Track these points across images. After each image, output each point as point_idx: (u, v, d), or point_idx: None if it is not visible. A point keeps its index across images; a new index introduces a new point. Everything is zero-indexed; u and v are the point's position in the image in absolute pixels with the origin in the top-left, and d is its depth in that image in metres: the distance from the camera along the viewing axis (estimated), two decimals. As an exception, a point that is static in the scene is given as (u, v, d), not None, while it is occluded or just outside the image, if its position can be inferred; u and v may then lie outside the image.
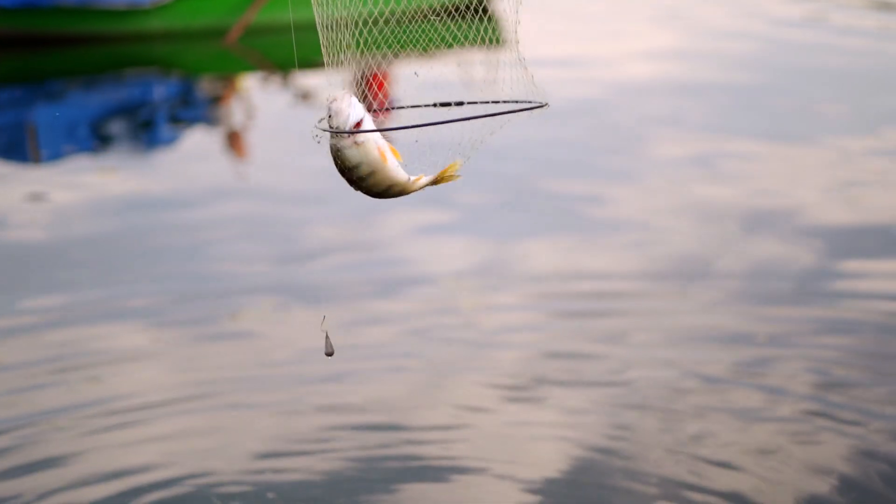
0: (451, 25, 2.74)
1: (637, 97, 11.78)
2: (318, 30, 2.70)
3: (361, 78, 2.75)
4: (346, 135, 2.66)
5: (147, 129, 11.37)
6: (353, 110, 2.67)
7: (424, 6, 2.79)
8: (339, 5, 2.70)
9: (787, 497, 4.61)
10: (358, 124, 2.67)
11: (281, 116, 11.72)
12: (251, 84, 13.37)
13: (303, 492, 4.75)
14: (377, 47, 2.72)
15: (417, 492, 4.75)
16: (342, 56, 2.70)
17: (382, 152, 2.70)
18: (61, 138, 10.87)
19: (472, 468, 4.89)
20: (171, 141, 11.12)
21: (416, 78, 2.73)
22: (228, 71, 14.32)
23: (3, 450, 5.06)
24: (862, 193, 8.49)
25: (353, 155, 2.69)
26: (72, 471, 4.89)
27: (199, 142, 10.99)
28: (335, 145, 2.69)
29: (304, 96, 12.27)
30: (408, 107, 2.75)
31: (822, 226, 7.74)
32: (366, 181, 2.73)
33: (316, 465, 4.95)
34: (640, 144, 10.02)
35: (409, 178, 2.75)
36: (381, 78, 2.79)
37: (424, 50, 2.77)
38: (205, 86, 13.62)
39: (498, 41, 2.80)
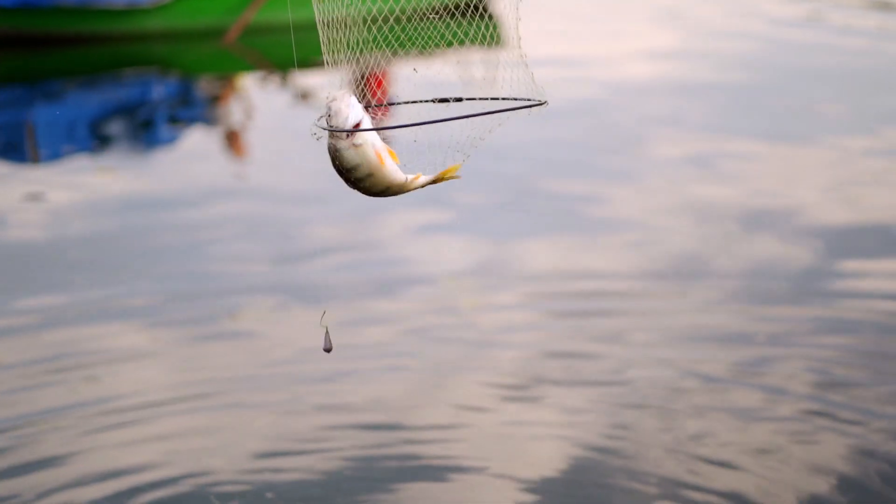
0: (452, 24, 2.73)
1: (636, 97, 11.77)
2: (318, 28, 2.70)
3: (361, 77, 2.75)
4: (344, 136, 2.66)
5: (146, 128, 11.37)
6: (351, 111, 2.66)
7: (424, 5, 2.79)
8: (339, 4, 2.70)
9: (786, 496, 4.60)
10: (356, 126, 2.66)
11: (280, 116, 11.72)
12: (250, 84, 13.37)
13: (301, 491, 4.75)
14: (377, 46, 2.72)
15: (416, 491, 4.74)
16: (342, 55, 2.70)
17: (380, 155, 2.70)
18: (60, 138, 10.87)
19: (470, 468, 4.89)
20: (170, 141, 11.11)
21: (415, 77, 2.73)
22: (227, 71, 14.31)
23: (1, 449, 5.05)
24: (861, 193, 8.49)
25: (351, 157, 2.69)
26: (70, 470, 4.89)
27: (198, 141, 10.99)
28: (333, 146, 2.69)
29: (304, 96, 12.26)
30: (406, 102, 2.75)
31: (821, 225, 7.74)
32: (363, 182, 2.73)
33: (315, 465, 4.94)
34: (640, 144, 10.02)
35: (407, 178, 2.75)
36: (380, 77, 2.79)
37: (423, 48, 2.77)
38: (204, 85, 13.61)
39: (497, 41, 2.80)
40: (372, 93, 2.75)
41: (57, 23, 14.28)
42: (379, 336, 6.20)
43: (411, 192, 2.78)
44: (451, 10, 2.76)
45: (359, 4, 2.70)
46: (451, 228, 7.89)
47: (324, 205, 8.37)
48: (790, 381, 5.57)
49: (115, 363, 5.94)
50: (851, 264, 7.06)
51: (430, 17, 2.75)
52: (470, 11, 2.76)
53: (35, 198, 8.90)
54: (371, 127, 2.68)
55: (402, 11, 2.73)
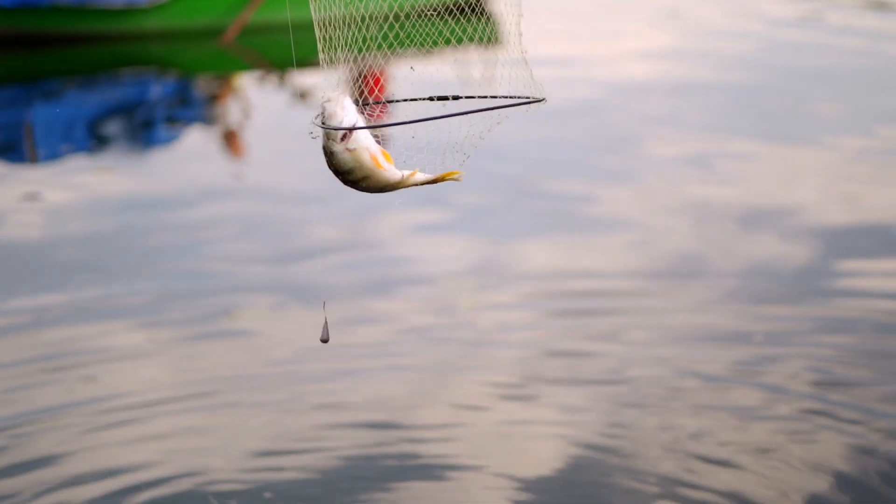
0: (450, 23, 2.73)
1: (635, 97, 11.77)
2: (315, 27, 2.69)
3: (359, 76, 2.74)
4: (338, 141, 2.65)
5: (144, 128, 11.36)
6: (346, 114, 2.65)
7: (422, 5, 2.78)
8: (337, 4, 2.69)
9: (784, 495, 4.60)
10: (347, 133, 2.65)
11: (278, 116, 11.71)
12: (248, 83, 13.36)
13: (299, 490, 4.74)
14: (376, 46, 2.71)
15: (415, 491, 4.74)
16: (339, 54, 2.69)
17: (375, 158, 2.69)
18: (58, 138, 10.86)
19: (469, 467, 4.89)
20: (168, 140, 11.11)
21: (413, 76, 2.72)
22: (225, 70, 14.31)
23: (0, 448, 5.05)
24: (859, 193, 8.49)
25: (346, 160, 2.68)
26: (68, 469, 4.88)
27: (196, 141, 10.98)
28: (327, 148, 2.68)
29: (302, 95, 12.26)
30: (403, 100, 2.74)
31: (819, 225, 7.74)
32: (360, 184, 2.72)
33: (313, 464, 4.94)
34: (639, 144, 10.02)
35: (403, 174, 2.74)
36: (378, 75, 2.78)
37: (421, 47, 2.76)
38: (202, 85, 13.61)
39: (495, 39, 2.79)
40: (370, 91, 2.75)
41: (55, 22, 14.27)
42: (377, 335, 6.20)
43: (411, 189, 2.77)
44: (449, 9, 2.76)
45: (358, 4, 2.69)
46: (450, 228, 7.89)
47: (322, 204, 8.36)
48: (789, 380, 5.56)
49: (114, 362, 5.93)
50: (850, 264, 7.06)
51: (429, 15, 2.74)
52: (467, 11, 2.75)
53: (33, 197, 8.90)
54: (366, 127, 2.67)
55: (401, 9, 2.72)
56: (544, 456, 4.96)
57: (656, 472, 4.77)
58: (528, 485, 4.76)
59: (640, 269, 7.08)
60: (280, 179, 9.22)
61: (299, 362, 5.89)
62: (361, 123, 2.67)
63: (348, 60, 2.71)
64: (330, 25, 2.69)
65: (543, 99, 2.67)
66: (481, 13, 2.74)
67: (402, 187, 2.74)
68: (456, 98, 2.69)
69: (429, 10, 2.76)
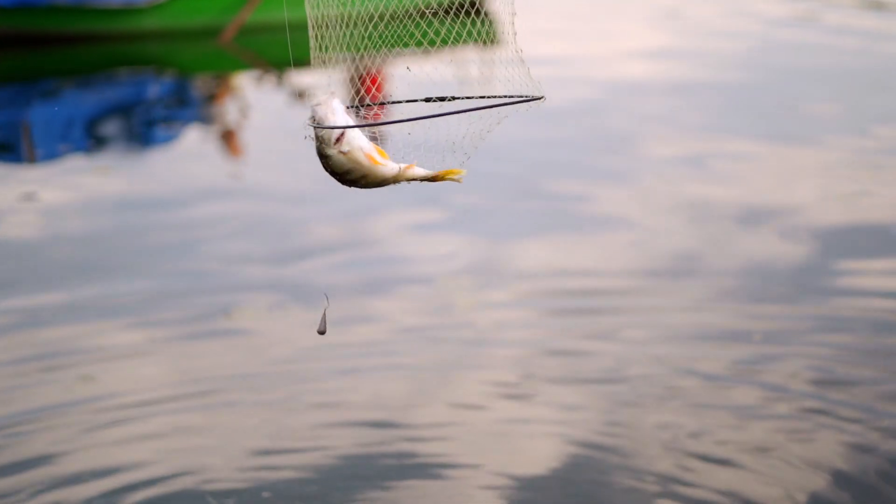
0: (448, 22, 2.73)
1: (633, 97, 11.78)
2: (309, 27, 2.69)
3: (356, 76, 2.75)
4: (332, 144, 2.65)
5: (142, 128, 11.36)
6: (336, 116, 2.65)
7: (420, 4, 2.79)
8: (334, 4, 2.69)
9: (783, 494, 4.60)
10: (341, 133, 2.65)
11: (276, 115, 11.71)
12: (246, 83, 13.36)
13: (297, 489, 4.75)
14: (373, 46, 2.71)
15: (413, 489, 4.74)
16: (334, 55, 2.69)
17: (370, 156, 2.69)
18: (56, 137, 10.86)
19: (467, 465, 4.89)
20: (166, 140, 11.11)
21: (411, 76, 2.72)
22: (223, 70, 14.31)
23: (-3, 447, 5.05)
24: (857, 193, 8.49)
25: (341, 162, 2.68)
26: (66, 468, 4.88)
27: (194, 141, 10.98)
28: (322, 152, 2.68)
29: (299, 95, 12.26)
30: (399, 101, 2.74)
31: (816, 225, 7.74)
32: (359, 182, 2.73)
33: (311, 463, 4.94)
34: (636, 144, 10.03)
35: (401, 167, 2.73)
36: (375, 76, 2.78)
37: (418, 47, 2.77)
38: (199, 85, 13.60)
39: (494, 39, 2.80)
40: (366, 90, 2.75)
41: (53, 22, 14.27)
42: (375, 334, 6.20)
43: (409, 188, 2.77)
44: (446, 8, 2.76)
45: (357, 3, 2.69)
46: (448, 227, 7.89)
47: (320, 204, 8.37)
48: (788, 379, 5.57)
49: (111, 361, 5.93)
50: (848, 263, 7.06)
51: (427, 16, 2.74)
52: (464, 10, 2.75)
53: (31, 197, 8.90)
54: (356, 131, 2.67)
55: (399, 9, 2.72)
56: (542, 455, 4.96)
57: (655, 471, 4.78)
58: (527, 483, 4.76)
59: (639, 268, 7.08)
60: (278, 179, 9.22)
61: (297, 361, 5.89)
62: (352, 124, 2.67)
63: (344, 61, 2.71)
64: (326, 26, 2.69)
65: (542, 97, 2.67)
66: (479, 13, 2.74)
67: (402, 180, 2.74)
68: (453, 99, 2.69)
69: (427, 10, 2.76)
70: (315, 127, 2.66)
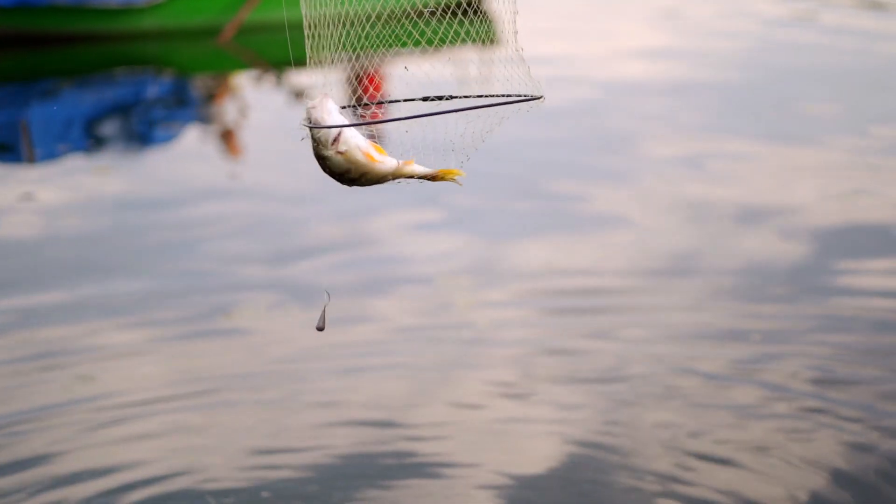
0: (447, 22, 2.73)
1: (632, 97, 11.78)
2: (305, 27, 2.68)
3: (355, 76, 2.74)
4: (329, 146, 2.65)
5: (141, 127, 11.36)
6: (330, 118, 2.65)
7: (419, 4, 2.78)
8: (332, 3, 2.69)
9: (783, 493, 4.60)
10: (337, 134, 2.65)
11: (275, 115, 11.71)
12: (245, 83, 13.36)
13: (296, 489, 4.74)
14: (372, 46, 2.71)
15: (412, 488, 4.74)
16: (333, 55, 2.69)
17: (368, 154, 2.69)
18: (55, 137, 10.86)
19: (466, 464, 4.88)
20: (165, 140, 11.10)
21: (410, 76, 2.72)
22: (222, 70, 14.30)
23: (-4, 447, 5.05)
24: (856, 193, 8.49)
25: (339, 163, 2.68)
26: (65, 467, 4.88)
27: (193, 141, 10.98)
28: (319, 154, 2.67)
29: (299, 95, 12.26)
30: (396, 101, 2.74)
31: (815, 224, 7.74)
32: (358, 181, 2.72)
33: (310, 462, 4.94)
34: (635, 143, 10.03)
35: (399, 163, 2.72)
36: (374, 76, 2.78)
37: (416, 46, 2.76)
38: (199, 84, 13.60)
39: (493, 39, 2.79)
40: (364, 89, 2.75)
41: (52, 22, 14.27)
42: (375, 334, 6.20)
43: (409, 188, 2.77)
44: (446, 8, 2.76)
45: (355, 3, 2.69)
46: (448, 227, 7.89)
47: (320, 204, 8.37)
48: (788, 378, 5.57)
49: (110, 360, 5.93)
50: (847, 263, 7.06)
51: (426, 15, 2.74)
52: (463, 9, 2.75)
53: (30, 197, 8.89)
54: (353, 132, 2.66)
55: (398, 9, 2.72)
56: (542, 454, 4.96)
57: (654, 471, 4.78)
58: (526, 483, 4.76)
59: (638, 267, 7.08)
60: (277, 179, 9.22)
61: (296, 361, 5.89)
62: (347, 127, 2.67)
63: (343, 61, 2.70)
64: (324, 25, 2.68)
65: (541, 97, 2.66)
66: (478, 12, 2.74)
67: (401, 176, 2.73)
68: (451, 98, 2.69)
69: (426, 10, 2.75)
70: (310, 127, 2.66)
